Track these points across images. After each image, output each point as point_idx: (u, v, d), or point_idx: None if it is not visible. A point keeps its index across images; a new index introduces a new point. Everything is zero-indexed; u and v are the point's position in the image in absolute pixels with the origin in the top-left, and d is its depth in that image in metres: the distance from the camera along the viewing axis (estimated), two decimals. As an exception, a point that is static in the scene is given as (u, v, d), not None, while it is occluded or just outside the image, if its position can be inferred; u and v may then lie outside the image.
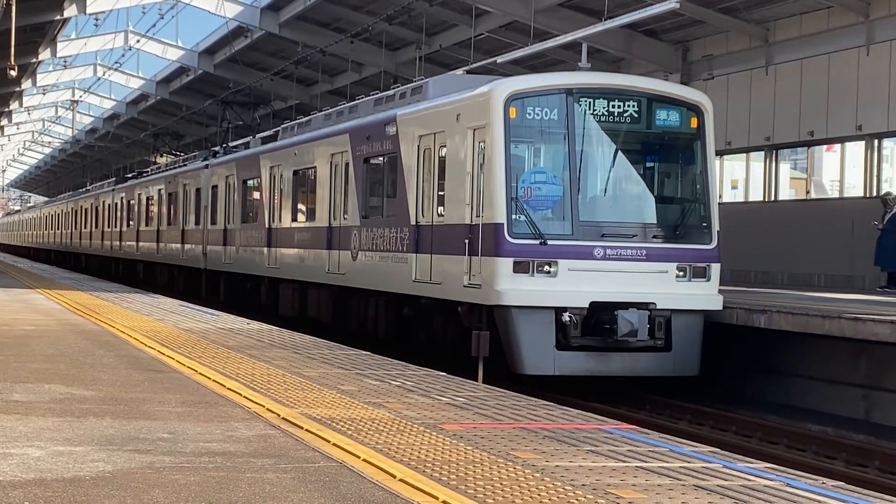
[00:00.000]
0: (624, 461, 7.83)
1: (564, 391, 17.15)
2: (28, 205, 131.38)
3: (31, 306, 22.44)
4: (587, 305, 17.03)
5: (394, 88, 23.11)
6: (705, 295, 17.68)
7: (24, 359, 13.00)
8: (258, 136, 34.91)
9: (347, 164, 23.15)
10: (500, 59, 31.18)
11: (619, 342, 16.98)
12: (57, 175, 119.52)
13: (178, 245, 38.04)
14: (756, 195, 33.16)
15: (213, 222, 33.72)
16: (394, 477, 7.02)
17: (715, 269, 17.80)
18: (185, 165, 40.75)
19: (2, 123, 78.81)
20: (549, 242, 17.00)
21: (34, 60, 49.18)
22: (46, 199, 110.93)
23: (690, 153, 18.18)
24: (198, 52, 53.81)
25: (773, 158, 32.40)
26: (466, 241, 17.69)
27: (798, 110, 30.41)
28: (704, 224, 17.96)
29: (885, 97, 27.57)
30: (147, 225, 43.83)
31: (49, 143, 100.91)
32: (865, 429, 15.58)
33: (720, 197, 27.67)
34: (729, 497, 6.74)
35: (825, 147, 32.43)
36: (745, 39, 32.11)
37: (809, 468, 11.49)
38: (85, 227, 59.75)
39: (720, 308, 17.79)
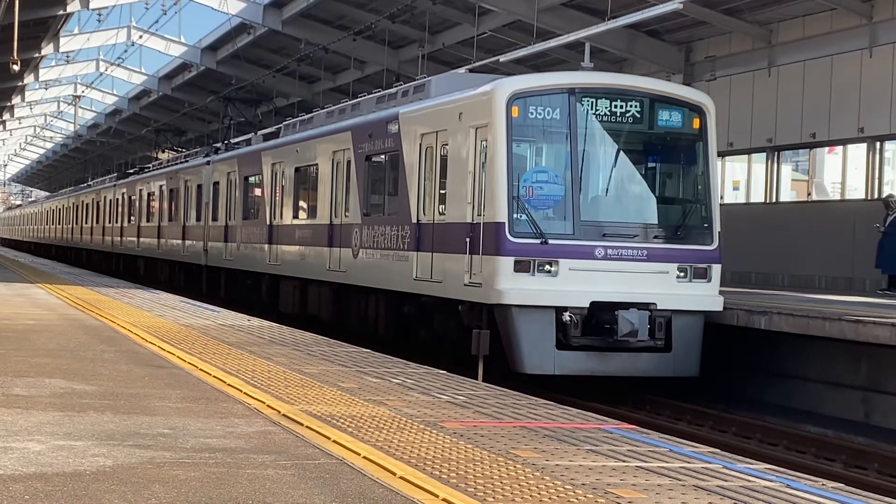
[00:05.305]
0: (624, 461, 7.83)
1: (564, 391, 17.15)
2: (29, 200, 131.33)
3: (32, 301, 22.45)
4: (588, 305, 17.03)
5: (396, 86, 23.11)
6: (706, 296, 17.68)
7: (25, 353, 13.01)
8: (260, 132, 34.90)
9: (349, 162, 23.15)
10: (502, 58, 31.16)
11: (620, 342, 16.98)
12: (58, 170, 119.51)
13: (179, 241, 38.03)
14: (757, 196, 33.14)
15: (215, 219, 33.71)
16: (394, 474, 7.02)
17: (716, 269, 17.80)
18: (187, 161, 40.72)
19: (4, 118, 78.81)
20: (550, 242, 17.00)
21: (37, 55, 49.24)
22: (48, 194, 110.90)
23: (692, 154, 18.17)
24: (200, 48, 53.82)
25: (775, 160, 32.38)
26: (467, 239, 17.69)
27: (800, 112, 30.40)
28: (706, 225, 17.96)
29: (887, 100, 27.55)
30: (148, 221, 43.81)
31: (51, 138, 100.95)
32: (865, 431, 15.58)
33: (721, 198, 27.66)
34: (729, 498, 6.75)
35: (827, 149, 32.40)
36: (748, 41, 32.10)
37: (809, 470, 11.50)
38: (86, 223, 59.74)
39: (721, 309, 17.79)
